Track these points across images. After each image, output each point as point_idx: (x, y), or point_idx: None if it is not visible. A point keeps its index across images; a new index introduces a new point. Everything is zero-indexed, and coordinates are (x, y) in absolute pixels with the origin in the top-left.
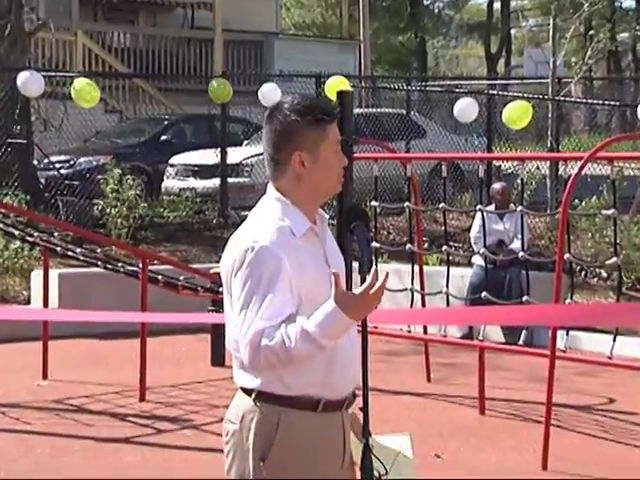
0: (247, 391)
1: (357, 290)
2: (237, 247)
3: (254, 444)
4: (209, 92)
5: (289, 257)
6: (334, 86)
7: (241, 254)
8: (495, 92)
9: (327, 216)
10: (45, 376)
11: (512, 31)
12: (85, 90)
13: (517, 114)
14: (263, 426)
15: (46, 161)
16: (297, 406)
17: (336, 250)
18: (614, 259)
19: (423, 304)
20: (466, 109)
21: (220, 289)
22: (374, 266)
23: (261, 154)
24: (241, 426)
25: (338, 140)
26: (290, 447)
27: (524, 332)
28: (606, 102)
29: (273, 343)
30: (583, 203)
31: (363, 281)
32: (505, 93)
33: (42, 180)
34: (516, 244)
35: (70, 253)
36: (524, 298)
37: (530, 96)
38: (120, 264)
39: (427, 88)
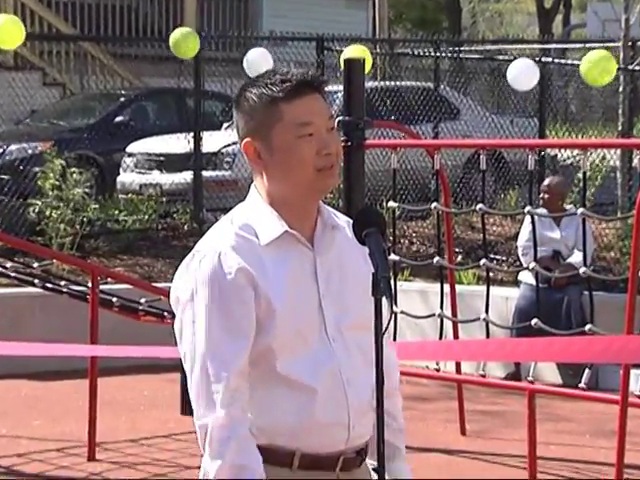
0: None
1: None
2: (182, 262)
3: None
4: (171, 46)
5: (252, 264)
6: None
7: (181, 269)
8: (550, 59)
9: (342, 222)
10: None
11: None
12: (7, 28)
13: (599, 66)
14: None
15: None
16: (265, 459)
17: (346, 267)
18: None
19: (456, 334)
20: (524, 73)
21: None
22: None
23: None
24: None
25: (303, 122)
26: None
27: (587, 371)
28: None
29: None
30: None
31: (378, 305)
32: (563, 60)
33: None
34: (576, 257)
35: None
36: (587, 327)
37: None
38: (63, 283)
39: (461, 54)
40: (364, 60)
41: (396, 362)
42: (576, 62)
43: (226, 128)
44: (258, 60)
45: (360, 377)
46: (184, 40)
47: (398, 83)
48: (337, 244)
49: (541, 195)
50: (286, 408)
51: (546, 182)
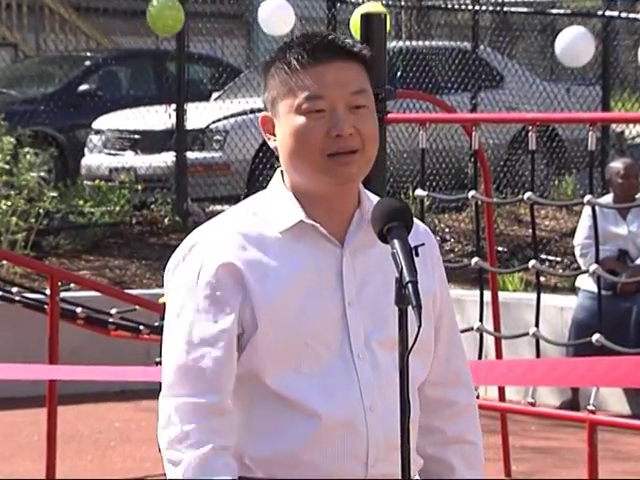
0: None
1: None
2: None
3: None
4: (148, 18)
5: (247, 260)
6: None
7: (172, 260)
8: (616, 13)
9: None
10: None
11: None
12: None
13: None
14: None
15: None
16: None
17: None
18: None
19: (498, 353)
20: (575, 45)
21: None
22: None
23: (240, 114)
24: None
25: (310, 95)
26: None
27: None
28: None
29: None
30: None
31: (402, 315)
32: (632, 15)
33: None
34: None
35: None
36: None
37: None
38: (15, 289)
39: (505, 8)
40: (386, 15)
41: (464, 376)
42: None
43: (216, 99)
44: (275, 16)
45: (393, 404)
46: (165, 14)
47: (428, 43)
48: (382, 247)
49: (620, 181)
50: (285, 434)
51: (619, 164)
